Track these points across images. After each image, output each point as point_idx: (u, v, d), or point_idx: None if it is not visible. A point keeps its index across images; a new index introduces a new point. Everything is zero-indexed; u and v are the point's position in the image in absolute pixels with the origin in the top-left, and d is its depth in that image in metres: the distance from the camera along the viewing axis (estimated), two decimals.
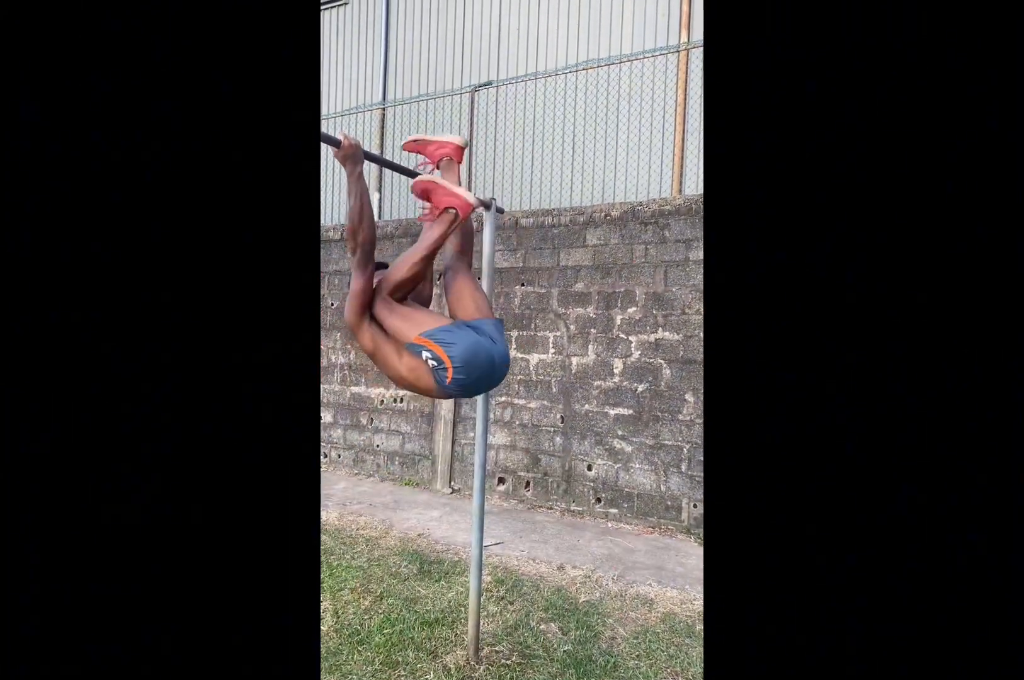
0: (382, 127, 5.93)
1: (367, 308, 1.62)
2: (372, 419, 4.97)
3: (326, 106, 6.55)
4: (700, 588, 2.84)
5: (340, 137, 1.49)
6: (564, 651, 2.20)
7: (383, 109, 5.95)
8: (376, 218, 5.84)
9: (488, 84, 5.18)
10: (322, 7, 6.64)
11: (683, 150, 4.66)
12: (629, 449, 3.92)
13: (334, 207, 5.91)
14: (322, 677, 1.97)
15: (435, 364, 1.53)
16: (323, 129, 1.49)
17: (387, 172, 5.86)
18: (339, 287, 5.16)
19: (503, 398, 4.37)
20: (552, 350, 4.22)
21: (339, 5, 6.55)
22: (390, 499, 4.23)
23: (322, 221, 5.87)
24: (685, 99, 4.72)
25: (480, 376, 1.56)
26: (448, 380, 1.51)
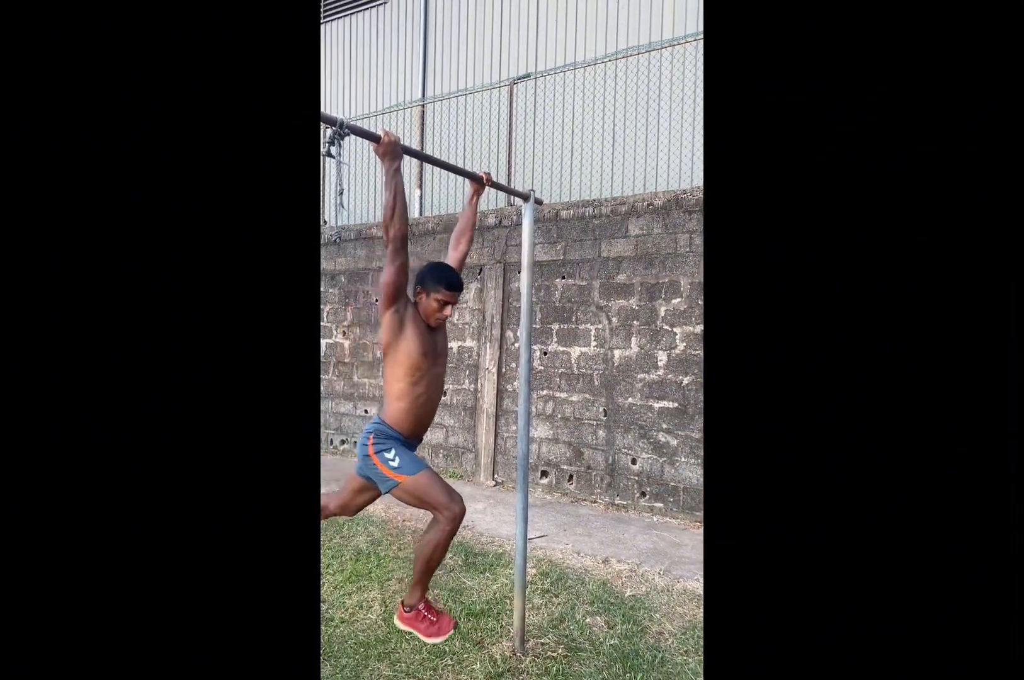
0: (422, 123, 5.97)
1: (395, 299, 1.72)
2: None
3: (367, 104, 6.63)
4: None
5: (380, 133, 1.50)
6: (610, 645, 2.19)
7: (423, 105, 5.99)
8: (417, 214, 5.90)
9: (527, 76, 5.14)
10: (361, 7, 6.72)
11: None
12: (674, 443, 3.85)
13: (379, 205, 5.99)
14: (373, 664, 2.02)
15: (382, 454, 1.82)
16: (364, 127, 1.50)
17: (427, 168, 5.90)
18: None
19: (544, 392, 4.36)
20: (594, 343, 4.18)
21: (378, 4, 6.61)
22: None
23: (368, 219, 5.97)
24: None
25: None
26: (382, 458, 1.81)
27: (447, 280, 1.83)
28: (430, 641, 1.88)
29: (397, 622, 1.92)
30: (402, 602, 1.93)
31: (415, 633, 1.89)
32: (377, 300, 1.65)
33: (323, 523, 3.46)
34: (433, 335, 1.87)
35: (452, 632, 1.87)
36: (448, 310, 1.84)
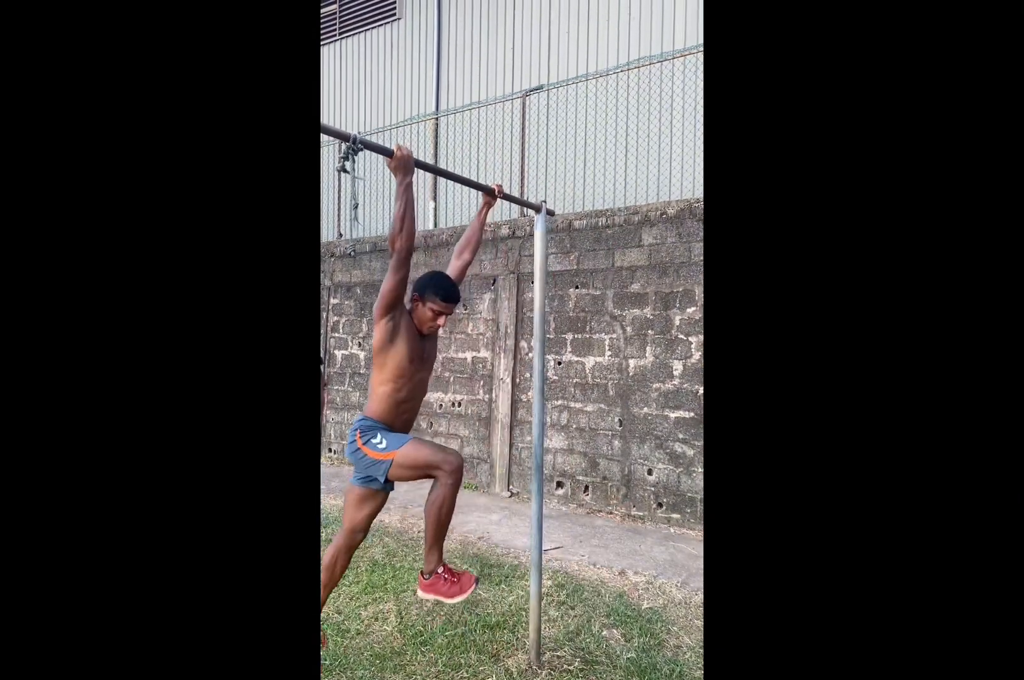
0: (436, 136, 6.04)
1: (392, 308, 1.78)
2: (432, 423, 5.04)
3: (382, 118, 6.73)
4: None
5: (393, 147, 1.52)
6: (627, 658, 2.16)
7: (436, 119, 6.06)
8: (431, 226, 5.95)
9: (539, 88, 5.19)
10: (376, 23, 6.84)
11: None
12: (691, 453, 3.82)
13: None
14: (389, 676, 2.01)
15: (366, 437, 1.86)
16: (379, 141, 1.53)
17: (441, 181, 5.96)
18: None
19: (559, 402, 4.35)
20: (608, 352, 4.17)
21: (392, 20, 6.72)
22: None
23: (382, 231, 6.03)
24: None
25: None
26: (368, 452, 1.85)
27: (444, 291, 1.86)
28: (454, 601, 1.82)
29: (420, 593, 1.87)
30: (421, 572, 1.88)
31: (438, 598, 1.82)
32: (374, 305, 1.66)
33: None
34: (423, 342, 1.90)
35: (474, 587, 1.82)
36: (442, 320, 1.88)
